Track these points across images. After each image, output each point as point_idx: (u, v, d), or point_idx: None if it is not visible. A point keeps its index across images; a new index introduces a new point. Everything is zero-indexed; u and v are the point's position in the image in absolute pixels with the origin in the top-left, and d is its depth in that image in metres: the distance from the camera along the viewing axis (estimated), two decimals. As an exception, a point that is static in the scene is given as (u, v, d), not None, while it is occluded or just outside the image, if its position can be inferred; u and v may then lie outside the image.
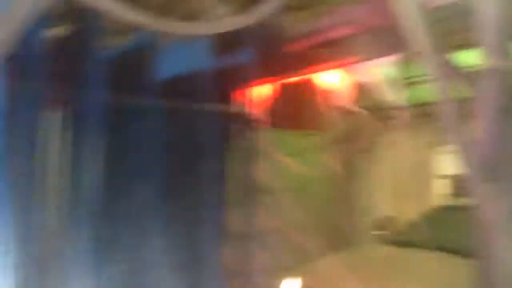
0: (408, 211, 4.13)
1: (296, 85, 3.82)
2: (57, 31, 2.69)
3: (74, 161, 2.53)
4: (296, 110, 4.21)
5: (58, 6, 2.66)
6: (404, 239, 3.57)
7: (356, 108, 4.28)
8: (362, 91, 3.95)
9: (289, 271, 3.26)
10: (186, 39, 2.74)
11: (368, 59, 3.16)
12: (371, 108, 4.38)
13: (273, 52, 3.03)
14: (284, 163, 4.28)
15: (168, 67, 2.79)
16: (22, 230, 2.14)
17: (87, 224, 2.42)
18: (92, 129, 2.47)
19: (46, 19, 2.36)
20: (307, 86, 3.90)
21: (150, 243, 2.61)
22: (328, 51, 3.04)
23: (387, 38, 2.57)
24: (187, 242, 2.77)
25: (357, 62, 3.23)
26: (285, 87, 3.78)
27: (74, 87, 2.56)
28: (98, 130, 2.51)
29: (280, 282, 3.11)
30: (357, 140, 4.84)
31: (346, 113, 4.33)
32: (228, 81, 3.03)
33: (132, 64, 2.75)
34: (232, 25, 2.63)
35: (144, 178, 2.65)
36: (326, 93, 4.05)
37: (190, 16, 2.84)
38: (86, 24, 2.52)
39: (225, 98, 3.09)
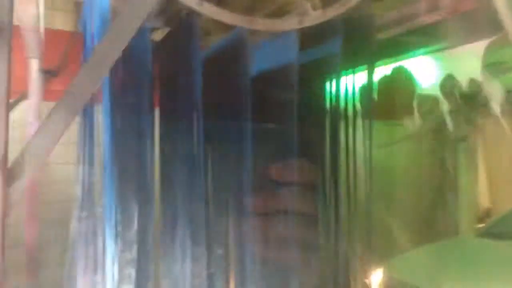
0: (506, 202, 3.90)
1: (388, 74, 3.76)
2: (155, 33, 2.90)
3: (172, 158, 2.70)
4: (390, 100, 4.13)
5: (156, 9, 2.88)
6: (501, 230, 3.39)
7: (451, 96, 4.10)
8: (454, 78, 3.79)
9: (381, 261, 3.26)
10: (275, 35, 2.81)
11: (460, 44, 3.03)
12: (466, 96, 4.18)
13: (363, 41, 3.00)
14: (378, 154, 4.22)
15: (259, 63, 2.87)
16: (126, 220, 2.35)
17: (184, 217, 2.59)
18: (189, 128, 2.62)
19: (147, 22, 2.54)
20: (399, 75, 3.82)
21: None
22: (419, 38, 2.97)
23: (478, 22, 2.46)
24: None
25: (448, 48, 3.11)
26: (376, 76, 3.73)
27: (172, 87, 2.74)
28: (194, 129, 2.65)
29: (372, 272, 3.13)
30: (453, 130, 4.63)
31: (441, 101, 4.17)
32: (319, 73, 3.05)
33: (226, 63, 2.86)
34: (321, 17, 2.67)
35: (241, 174, 2.73)
36: (419, 81, 3.94)
37: (278, 12, 2.91)
38: (182, 25, 2.66)
39: (316, 90, 3.11)
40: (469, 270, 2.90)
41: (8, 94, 1.35)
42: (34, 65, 3.61)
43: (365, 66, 3.02)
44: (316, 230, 2.77)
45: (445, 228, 4.49)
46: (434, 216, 4.55)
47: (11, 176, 1.41)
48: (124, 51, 2.49)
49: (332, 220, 2.78)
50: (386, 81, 4.05)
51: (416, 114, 4.49)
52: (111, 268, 2.27)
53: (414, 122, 4.65)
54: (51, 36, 3.85)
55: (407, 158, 4.74)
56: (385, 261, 3.26)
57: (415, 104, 4.34)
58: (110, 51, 1.57)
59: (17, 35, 2.87)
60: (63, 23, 4.46)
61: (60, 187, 3.81)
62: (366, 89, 3.00)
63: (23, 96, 3.91)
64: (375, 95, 3.94)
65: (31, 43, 3.13)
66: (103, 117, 2.31)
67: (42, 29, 3.39)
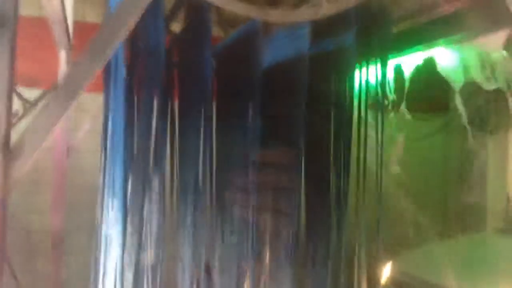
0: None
1: (410, 65, 3.67)
2: (171, 26, 2.94)
3: (186, 149, 2.74)
4: (414, 92, 4.03)
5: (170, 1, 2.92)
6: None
7: (477, 88, 3.96)
8: (480, 68, 3.64)
9: (398, 255, 3.21)
10: (290, 26, 2.80)
11: (483, 34, 2.92)
12: (492, 87, 4.01)
13: (380, 32, 2.95)
14: (406, 147, 4.15)
15: (273, 55, 2.87)
16: (135, 206, 2.42)
17: (198, 208, 2.64)
18: (204, 120, 2.66)
19: (162, 15, 2.58)
20: (423, 67, 3.72)
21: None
22: (440, 28, 2.89)
23: (502, 10, 2.36)
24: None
25: (471, 38, 3.00)
26: (397, 68, 3.65)
27: (188, 79, 2.78)
28: (210, 120, 2.69)
29: (386, 265, 3.08)
30: (482, 122, 4.48)
31: (469, 93, 4.03)
32: (336, 65, 3.02)
33: (240, 55, 2.88)
34: (336, 8, 2.64)
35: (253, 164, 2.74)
36: (443, 73, 3.82)
37: (295, 5, 2.90)
38: (197, 18, 2.70)
39: (334, 82, 3.08)
40: (487, 267, 2.82)
41: (11, 87, 1.41)
42: (63, 57, 3.74)
43: (381, 58, 2.97)
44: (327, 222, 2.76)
45: (473, 222, 4.36)
46: (462, 210, 4.44)
47: (12, 157, 1.48)
48: (141, 41, 2.57)
49: (342, 212, 2.76)
50: (416, 74, 3.95)
51: (444, 106, 4.39)
52: (121, 255, 2.34)
53: (442, 115, 4.54)
54: (82, 28, 3.97)
55: (435, 152, 4.64)
56: (399, 256, 3.20)
57: (441, 96, 4.23)
58: (110, 36, 1.62)
59: (48, 27, 3.00)
60: (93, 15, 4.61)
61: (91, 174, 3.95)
62: (382, 81, 2.95)
63: (54, 87, 4.06)
64: (405, 87, 3.88)
65: (59, 35, 3.24)
66: (114, 105, 2.38)
67: (71, 22, 3.49)
